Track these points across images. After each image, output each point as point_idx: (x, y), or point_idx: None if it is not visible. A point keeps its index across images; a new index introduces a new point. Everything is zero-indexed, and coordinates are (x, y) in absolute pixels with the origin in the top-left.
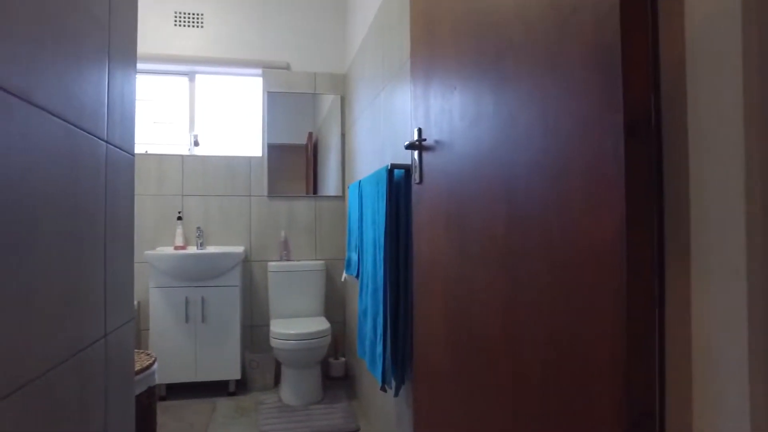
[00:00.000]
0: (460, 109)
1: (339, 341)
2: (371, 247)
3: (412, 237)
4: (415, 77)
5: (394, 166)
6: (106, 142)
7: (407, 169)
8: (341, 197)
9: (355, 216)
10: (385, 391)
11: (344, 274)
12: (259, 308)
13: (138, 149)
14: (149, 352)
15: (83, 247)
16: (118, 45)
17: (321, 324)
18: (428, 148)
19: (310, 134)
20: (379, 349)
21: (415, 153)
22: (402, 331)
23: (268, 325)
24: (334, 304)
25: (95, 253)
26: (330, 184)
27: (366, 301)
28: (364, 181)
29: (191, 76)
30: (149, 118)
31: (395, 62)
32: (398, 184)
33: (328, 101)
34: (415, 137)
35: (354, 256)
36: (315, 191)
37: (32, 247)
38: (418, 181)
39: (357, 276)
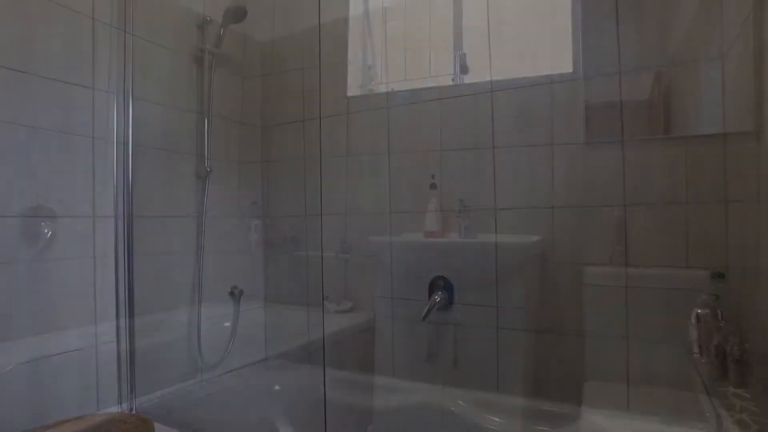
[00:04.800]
0: None
1: None
2: None
3: None
4: None
5: None
6: None
7: None
8: (748, 135)
9: None
10: None
11: None
12: (563, 353)
13: (382, 88)
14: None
15: None
16: None
17: None
18: None
19: (658, 75)
20: None
21: None
22: None
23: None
24: None
25: None
26: (704, 114)
27: None
28: None
29: None
30: (398, 44)
31: None
32: None
33: None
34: None
35: None
36: (667, 131)
37: None
38: None
39: None
